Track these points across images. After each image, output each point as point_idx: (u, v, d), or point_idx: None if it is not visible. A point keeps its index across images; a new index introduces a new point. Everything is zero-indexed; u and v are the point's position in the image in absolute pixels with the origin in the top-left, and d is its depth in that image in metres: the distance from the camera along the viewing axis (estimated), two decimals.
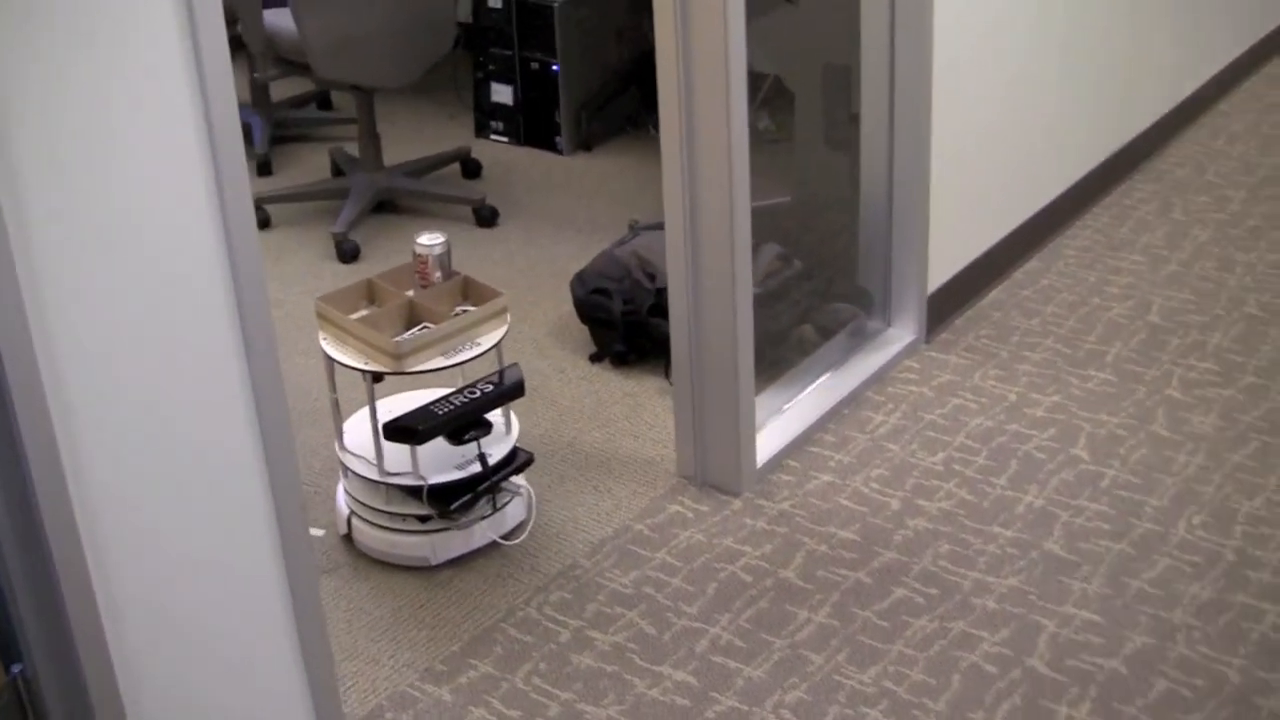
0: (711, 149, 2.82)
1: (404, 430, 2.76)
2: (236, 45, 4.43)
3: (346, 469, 2.92)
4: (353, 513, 2.96)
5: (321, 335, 2.89)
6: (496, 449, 2.92)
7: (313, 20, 4.09)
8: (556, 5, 4.77)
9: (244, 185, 1.96)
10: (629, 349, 3.61)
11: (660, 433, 3.33)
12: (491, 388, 2.85)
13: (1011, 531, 2.95)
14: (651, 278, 3.55)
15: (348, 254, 4.30)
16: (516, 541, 3.00)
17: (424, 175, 4.71)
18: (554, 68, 4.87)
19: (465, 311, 2.90)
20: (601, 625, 2.76)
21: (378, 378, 2.80)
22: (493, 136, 5.11)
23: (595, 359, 3.68)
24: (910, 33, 3.26)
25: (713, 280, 2.94)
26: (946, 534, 2.95)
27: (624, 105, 5.06)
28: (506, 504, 2.97)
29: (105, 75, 1.78)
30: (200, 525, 2.07)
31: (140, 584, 2.01)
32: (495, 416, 2.93)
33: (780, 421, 3.32)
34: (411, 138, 5.14)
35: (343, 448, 2.95)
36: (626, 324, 3.57)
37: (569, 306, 3.79)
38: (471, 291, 2.96)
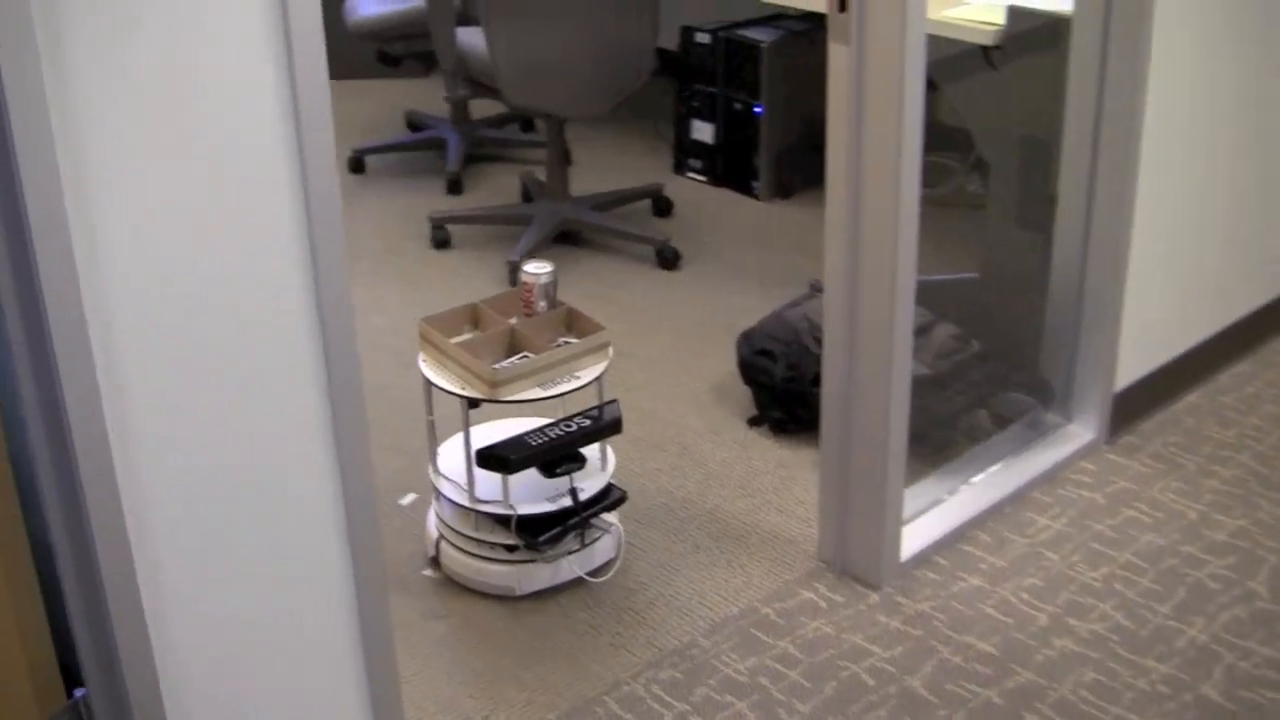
0: (879, 217, 2.69)
1: (496, 459, 2.77)
2: (433, 61, 4.44)
3: (438, 492, 2.93)
4: (442, 536, 2.96)
5: (422, 357, 2.89)
6: (589, 484, 2.91)
7: (504, 43, 4.06)
8: (764, 45, 4.66)
9: (336, 229, 1.90)
10: (788, 417, 3.49)
11: (808, 510, 3.20)
12: (589, 422, 2.85)
13: (1167, 667, 2.74)
14: (820, 344, 3.40)
15: None
16: (603, 579, 2.95)
17: (611, 209, 4.65)
18: (757, 109, 4.76)
19: (567, 343, 2.88)
20: (708, 713, 2.64)
21: (474, 403, 2.79)
22: (690, 174, 5.04)
23: (753, 423, 3.56)
24: (1118, 112, 3.08)
25: (869, 356, 2.80)
26: (1094, 660, 2.75)
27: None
28: (595, 540, 2.95)
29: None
30: (266, 561, 2.02)
31: (200, 625, 1.97)
32: (591, 452, 2.93)
33: (936, 513, 3.16)
34: (606, 167, 5.11)
35: (436, 471, 2.96)
36: (787, 391, 3.45)
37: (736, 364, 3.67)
38: (575, 323, 2.96)
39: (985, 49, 3.30)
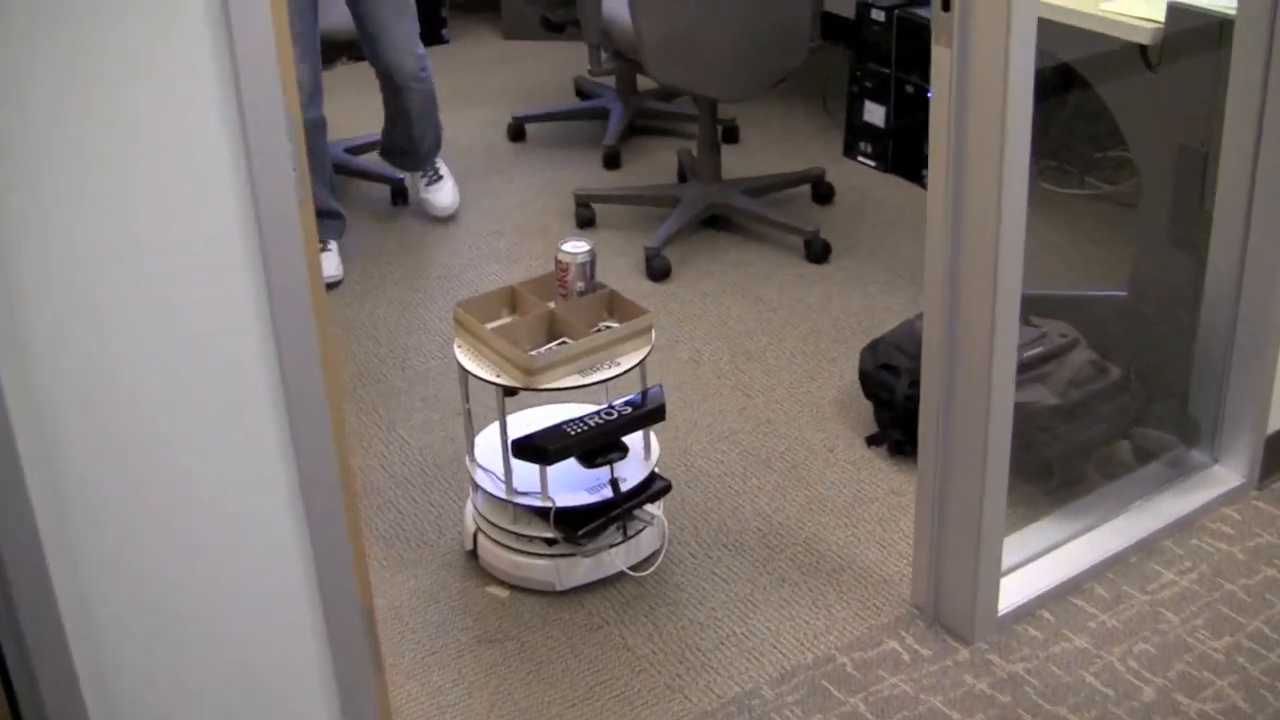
0: (979, 230, 2.49)
1: (533, 449, 2.73)
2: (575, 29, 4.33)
3: (475, 484, 2.90)
4: (479, 529, 2.93)
5: (457, 343, 2.85)
6: (632, 474, 2.87)
7: (649, 16, 3.93)
8: None
9: (297, 257, 1.79)
10: (908, 439, 3.29)
11: (911, 547, 3.00)
12: (630, 409, 2.80)
13: None
14: None
15: (658, 272, 4.15)
16: (647, 573, 2.91)
17: (765, 195, 4.49)
18: (930, 94, 4.52)
19: (607, 328, 2.84)
20: None
21: (510, 391, 2.75)
22: (859, 159, 4.85)
23: (871, 442, 3.39)
24: None
25: (968, 380, 2.60)
26: None
27: None
28: (639, 533, 2.90)
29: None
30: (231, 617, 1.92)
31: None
32: (635, 440, 2.89)
33: (1050, 559, 2.95)
34: (772, 148, 4.97)
35: (473, 460, 2.93)
36: (908, 410, 3.25)
37: None
38: (617, 307, 2.91)
39: (1143, 48, 3.04)
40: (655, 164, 4.93)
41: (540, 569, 2.88)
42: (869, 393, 3.39)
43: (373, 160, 4.81)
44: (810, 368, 3.68)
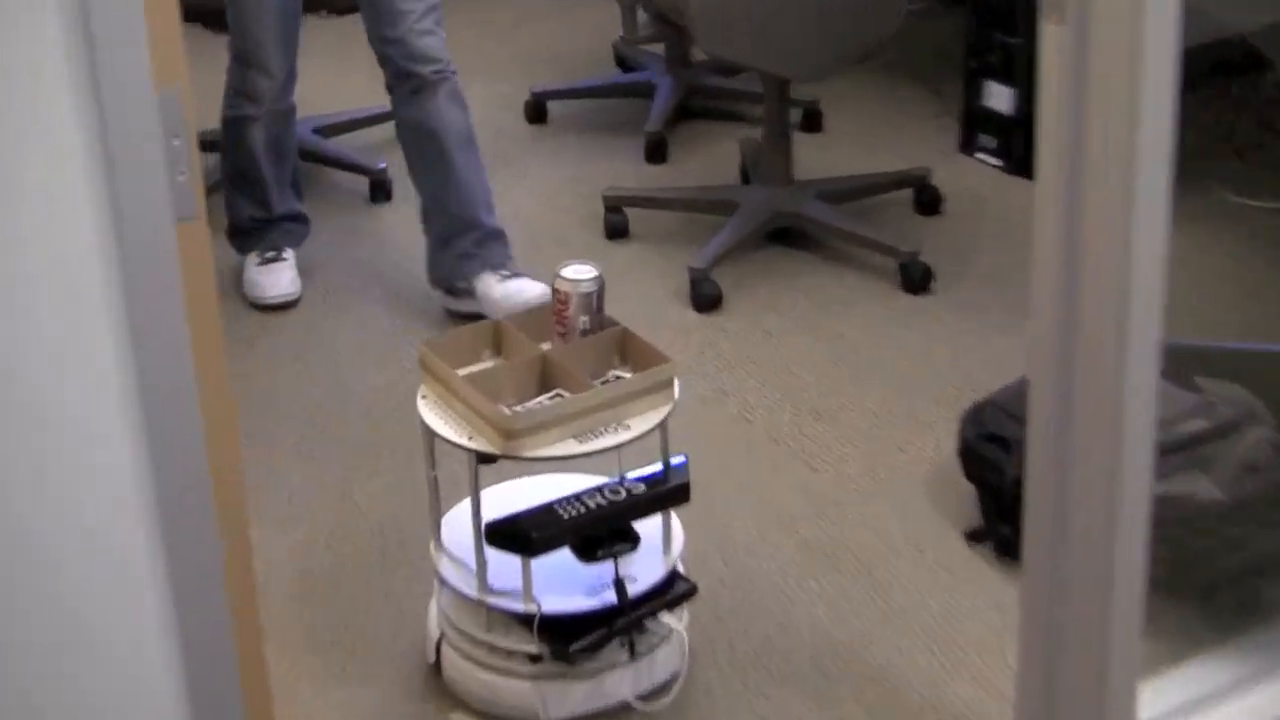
0: (1103, 259, 2.36)
1: (512, 536, 2.67)
2: None
3: (440, 577, 2.82)
4: (444, 637, 2.85)
5: (421, 393, 2.76)
6: (644, 572, 2.79)
7: None
8: None
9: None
10: (1020, 537, 3.14)
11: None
12: (644, 487, 2.74)
13: None
14: None
15: (704, 299, 4.08)
16: (661, 704, 2.77)
17: (849, 201, 4.44)
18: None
19: (617, 378, 2.77)
20: None
21: (486, 459, 2.65)
22: (979, 155, 4.78)
23: (973, 539, 3.27)
24: None
25: (1087, 465, 2.45)
26: None
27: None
28: (651, 651, 2.79)
29: None
30: None
31: None
32: (650, 527, 2.80)
33: (1212, 713, 2.76)
34: (861, 140, 4.91)
35: (439, 546, 2.84)
36: (1021, 499, 3.10)
37: None
38: (631, 351, 2.83)
39: None
40: (711, 157, 4.85)
41: (520, 693, 2.78)
42: (971, 473, 3.27)
43: (348, 143, 4.78)
44: (898, 435, 3.57)
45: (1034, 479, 2.57)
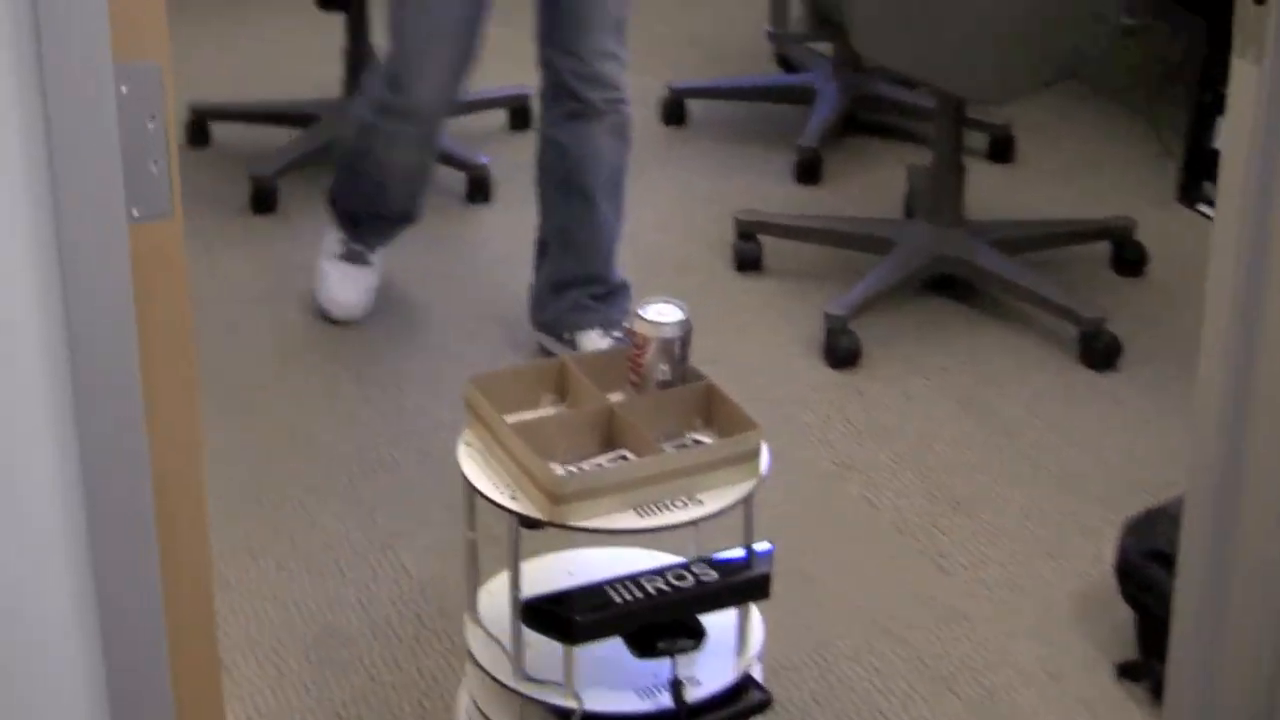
0: None
1: (553, 618, 2.69)
2: None
3: (471, 655, 2.85)
4: None
5: (464, 439, 2.81)
6: (710, 675, 2.78)
7: None
8: None
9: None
10: None
11: None
12: (715, 574, 2.74)
13: None
14: None
15: (840, 354, 4.13)
16: None
17: (1029, 252, 4.45)
18: None
19: (695, 442, 2.78)
20: None
21: (530, 523, 2.68)
22: (1200, 207, 4.77)
23: (1125, 674, 3.26)
24: None
25: (1245, 604, 2.48)
26: None
27: None
28: None
29: None
30: None
31: None
32: (722, 623, 2.81)
33: None
34: (1060, 176, 4.94)
35: (474, 619, 2.88)
36: None
37: None
38: (717, 411, 2.84)
39: None
40: (874, 182, 4.91)
41: None
42: (1130, 595, 3.26)
43: (447, 130, 4.83)
44: (1050, 538, 3.57)
45: (1182, 607, 2.59)
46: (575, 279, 3.89)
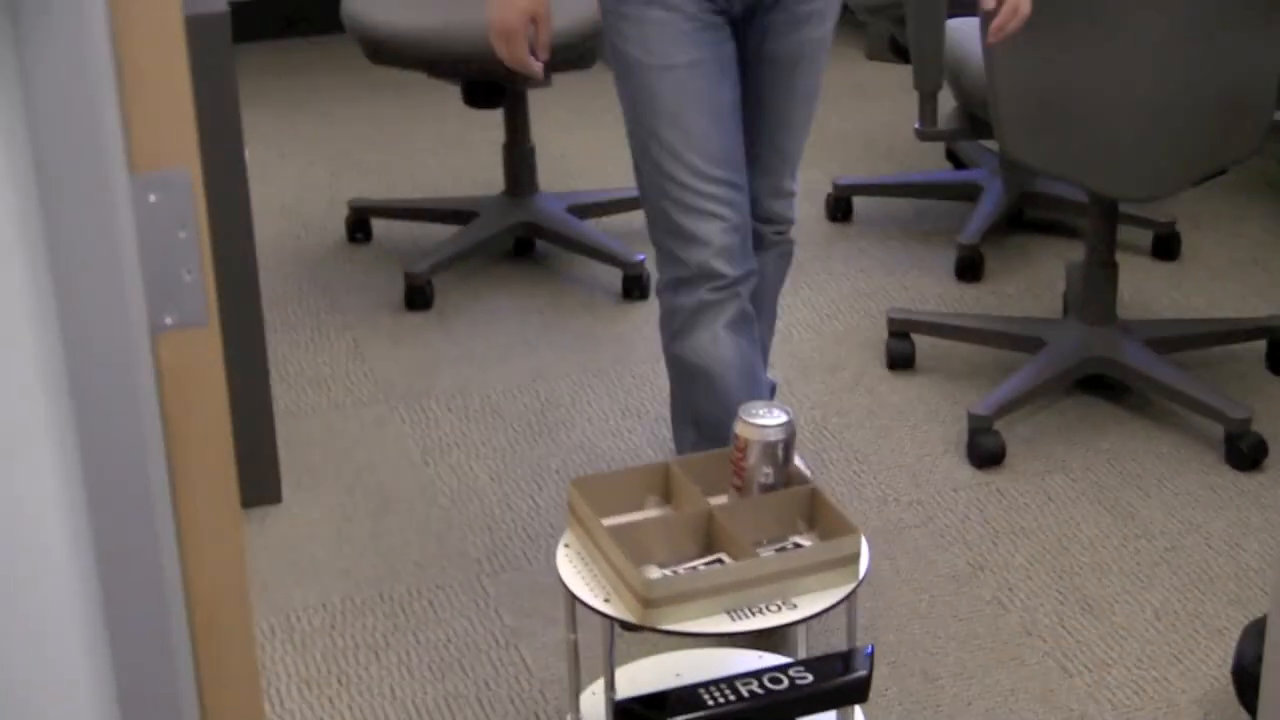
0: None
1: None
2: None
3: None
4: None
5: (564, 540, 2.88)
6: None
7: (1013, 60, 3.87)
8: None
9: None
10: None
11: None
12: (810, 678, 2.77)
13: None
14: None
15: (984, 453, 4.10)
16: None
17: (1181, 351, 4.40)
18: None
19: (796, 545, 2.83)
20: None
21: (629, 626, 2.74)
22: None
23: None
24: None
25: None
26: None
27: None
28: None
29: None
30: None
31: None
32: None
33: None
34: (1227, 276, 4.90)
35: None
36: None
37: None
38: (820, 515, 2.89)
39: None
40: (1034, 279, 4.91)
41: None
42: (1248, 702, 3.22)
43: (605, 227, 4.98)
44: (1179, 641, 3.54)
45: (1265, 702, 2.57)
46: None
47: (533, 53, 3.22)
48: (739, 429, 2.91)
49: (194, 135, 1.73)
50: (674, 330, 3.36)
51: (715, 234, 3.28)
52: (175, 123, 1.71)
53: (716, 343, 3.37)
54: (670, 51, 3.18)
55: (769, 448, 2.90)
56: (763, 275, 3.56)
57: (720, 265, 3.28)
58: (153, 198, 1.71)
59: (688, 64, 3.22)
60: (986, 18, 3.46)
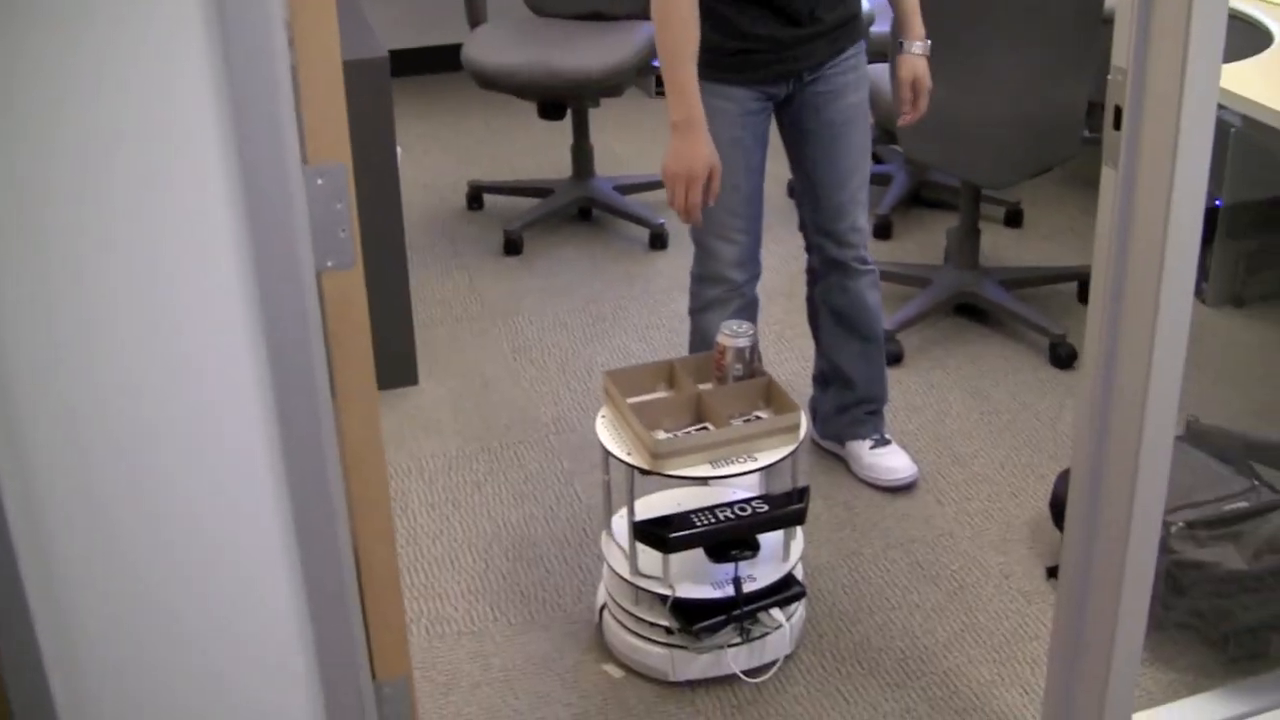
0: (1132, 377, 2.33)
1: (653, 536, 2.72)
2: None
3: (606, 560, 2.89)
4: (606, 604, 2.93)
5: (602, 413, 2.85)
6: (764, 574, 2.82)
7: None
8: (1234, 130, 4.16)
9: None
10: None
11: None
12: (766, 508, 2.76)
13: None
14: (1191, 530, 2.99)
15: (888, 357, 4.01)
16: (763, 678, 2.85)
17: (1020, 288, 4.36)
18: (1217, 202, 4.28)
19: (757, 418, 2.79)
20: None
21: (641, 471, 2.72)
22: None
23: (1052, 575, 3.19)
24: None
25: (1109, 532, 2.41)
26: None
27: None
28: (761, 637, 2.84)
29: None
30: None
31: None
32: (774, 539, 2.86)
33: None
34: (1054, 239, 4.81)
35: (609, 535, 2.91)
36: None
37: None
38: (774, 398, 2.85)
39: None
40: (927, 240, 4.82)
41: (656, 656, 2.85)
42: (1058, 521, 3.20)
43: (638, 200, 4.94)
44: (1016, 482, 3.52)
45: (1071, 531, 2.54)
46: (855, 402, 3.48)
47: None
48: (720, 339, 2.89)
49: (347, 139, 1.74)
50: (695, 308, 3.27)
51: (732, 253, 3.20)
52: (335, 131, 1.72)
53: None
54: (720, 131, 3.02)
55: (740, 352, 2.88)
56: (864, 305, 3.34)
57: (732, 274, 3.20)
58: (319, 181, 1.72)
59: (730, 141, 3.07)
60: (899, 105, 3.28)
